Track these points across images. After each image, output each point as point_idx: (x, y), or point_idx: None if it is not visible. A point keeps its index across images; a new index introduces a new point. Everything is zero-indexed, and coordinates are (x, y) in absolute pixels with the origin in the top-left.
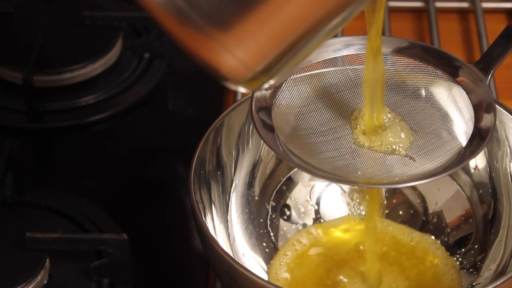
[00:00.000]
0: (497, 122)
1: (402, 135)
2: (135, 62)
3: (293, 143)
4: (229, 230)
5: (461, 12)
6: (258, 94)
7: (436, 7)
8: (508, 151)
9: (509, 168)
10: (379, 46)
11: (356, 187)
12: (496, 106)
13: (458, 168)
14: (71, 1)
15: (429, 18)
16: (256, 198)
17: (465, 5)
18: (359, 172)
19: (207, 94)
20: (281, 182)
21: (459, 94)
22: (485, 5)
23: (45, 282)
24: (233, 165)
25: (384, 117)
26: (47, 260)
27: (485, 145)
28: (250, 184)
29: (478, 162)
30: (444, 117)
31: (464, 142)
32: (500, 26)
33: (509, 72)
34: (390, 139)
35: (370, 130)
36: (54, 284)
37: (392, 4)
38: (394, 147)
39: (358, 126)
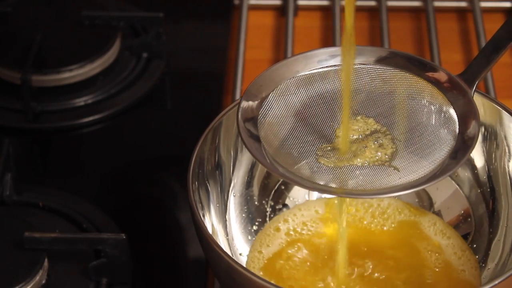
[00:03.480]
0: (496, 122)
1: (385, 146)
2: (134, 62)
3: (278, 153)
4: (227, 230)
5: (459, 11)
6: (244, 104)
7: (434, 7)
8: (507, 150)
9: (508, 167)
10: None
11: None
12: (495, 105)
13: (443, 178)
14: (70, 0)
15: (428, 17)
16: (255, 197)
17: (463, 4)
18: (342, 182)
19: (206, 93)
20: (280, 182)
21: (444, 105)
22: (483, 4)
23: (43, 282)
24: (232, 164)
25: (366, 128)
26: (46, 260)
27: (468, 155)
28: (248, 184)
29: (477, 161)
30: (429, 127)
31: (448, 152)
32: (498, 25)
33: (507, 71)
34: (373, 150)
35: (346, 142)
36: (53, 284)
37: (390, 3)
38: (377, 157)
39: (342, 137)
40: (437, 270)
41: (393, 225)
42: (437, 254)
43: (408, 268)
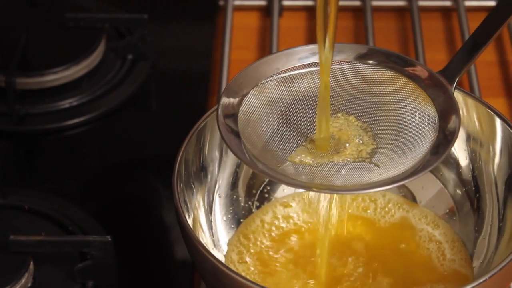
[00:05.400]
0: (480, 120)
1: (366, 142)
2: (119, 63)
3: (259, 150)
4: (213, 231)
5: (444, 10)
6: (225, 101)
7: (419, 6)
8: (491, 149)
9: (492, 166)
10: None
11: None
12: (480, 104)
13: (424, 173)
14: (54, 3)
15: (412, 17)
16: (240, 198)
17: (447, 3)
18: (323, 179)
19: (191, 95)
20: (265, 182)
21: (424, 101)
22: (468, 3)
23: (29, 285)
24: (217, 165)
25: (347, 125)
26: (31, 263)
27: (449, 150)
28: (233, 185)
29: (461, 160)
30: (410, 124)
31: (429, 148)
32: None
33: (492, 70)
34: (354, 147)
35: (325, 138)
36: (39, 286)
37: (375, 3)
38: (358, 154)
39: (322, 134)
40: (429, 258)
41: (386, 218)
42: (429, 242)
43: (399, 256)
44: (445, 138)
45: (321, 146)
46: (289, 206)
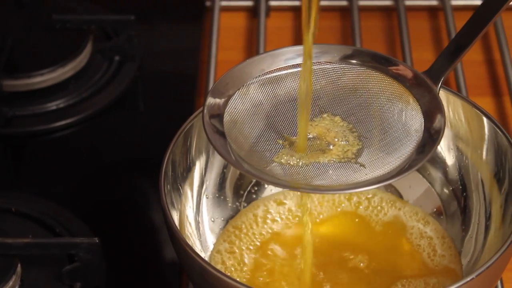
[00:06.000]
0: (466, 119)
1: (351, 143)
2: (106, 65)
3: (244, 150)
4: (200, 232)
5: (430, 10)
6: (211, 101)
7: (405, 6)
8: (477, 148)
9: (479, 165)
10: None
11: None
12: (466, 103)
13: (410, 173)
14: (41, 4)
15: (399, 16)
16: (228, 199)
17: (434, 3)
18: (309, 179)
19: (178, 96)
20: (252, 183)
21: (410, 101)
22: (454, 2)
23: (16, 287)
24: (204, 166)
25: (332, 126)
26: (19, 265)
27: (435, 149)
28: (221, 186)
29: (448, 159)
30: (395, 124)
31: (415, 147)
32: None
33: (479, 69)
34: (339, 147)
35: (304, 140)
36: None
37: (362, 3)
38: (344, 154)
39: (309, 134)
40: (418, 253)
41: (377, 215)
42: (420, 239)
43: (389, 250)
44: (430, 138)
45: (303, 147)
46: (283, 203)
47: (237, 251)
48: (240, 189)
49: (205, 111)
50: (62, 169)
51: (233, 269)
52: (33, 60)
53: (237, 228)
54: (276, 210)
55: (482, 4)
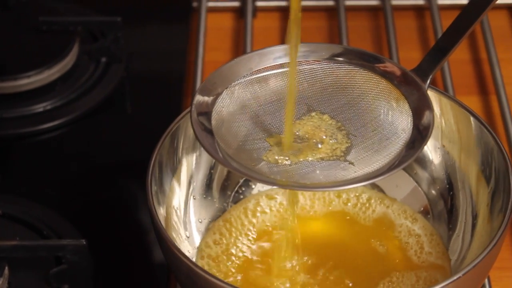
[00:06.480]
0: (453, 118)
1: (340, 141)
2: (92, 66)
3: (233, 149)
4: (188, 232)
5: (417, 9)
6: (199, 99)
7: (392, 5)
8: (464, 147)
9: (465, 164)
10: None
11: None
12: (453, 102)
13: (399, 169)
14: (27, 6)
15: (386, 16)
16: (215, 199)
17: (420, 2)
18: (298, 177)
19: (166, 97)
20: (239, 183)
21: (398, 99)
22: (441, 2)
23: None
24: (191, 167)
25: (321, 124)
26: (6, 267)
27: (424, 146)
28: (208, 186)
29: (434, 158)
30: (384, 122)
31: (404, 145)
32: None
33: (465, 68)
34: (328, 145)
35: (291, 138)
36: None
37: (348, 3)
38: (333, 152)
39: (296, 132)
40: (406, 250)
41: (366, 212)
42: (408, 236)
43: (375, 247)
44: (419, 134)
45: (290, 145)
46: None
47: (225, 242)
48: (227, 190)
49: (193, 109)
50: (49, 171)
51: (221, 265)
52: (19, 62)
53: (227, 222)
54: (267, 204)
55: (468, 3)
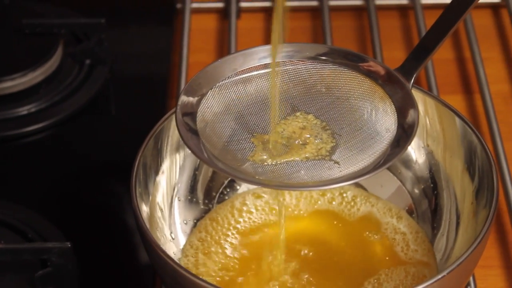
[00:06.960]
0: (436, 118)
1: (325, 140)
2: (76, 68)
3: (218, 149)
4: (172, 234)
5: (401, 9)
6: (184, 99)
7: (376, 5)
8: (448, 147)
9: (449, 163)
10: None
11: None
12: (437, 102)
13: (384, 168)
14: (10, 9)
15: (369, 16)
16: (200, 201)
17: (404, 2)
18: (283, 177)
19: (150, 98)
20: (224, 185)
21: (383, 98)
22: (424, 1)
23: None
24: (175, 169)
25: (305, 124)
26: None
27: (409, 143)
28: (192, 188)
29: (418, 157)
30: (369, 121)
31: (388, 144)
32: None
33: (449, 67)
34: (313, 145)
35: (276, 138)
36: None
37: (332, 3)
38: (318, 152)
39: (281, 132)
40: (392, 247)
41: (351, 210)
42: (394, 234)
43: (361, 245)
44: (404, 133)
45: (275, 145)
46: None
47: (210, 240)
48: (212, 191)
49: (178, 109)
50: (34, 174)
51: (207, 264)
52: (3, 65)
53: (213, 220)
54: (253, 202)
55: (451, 2)
